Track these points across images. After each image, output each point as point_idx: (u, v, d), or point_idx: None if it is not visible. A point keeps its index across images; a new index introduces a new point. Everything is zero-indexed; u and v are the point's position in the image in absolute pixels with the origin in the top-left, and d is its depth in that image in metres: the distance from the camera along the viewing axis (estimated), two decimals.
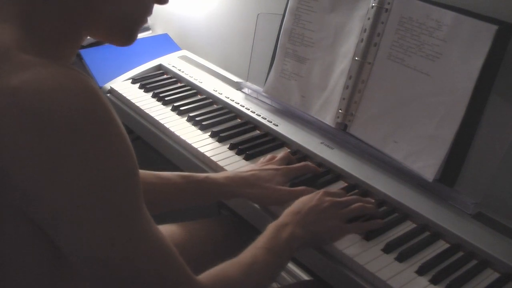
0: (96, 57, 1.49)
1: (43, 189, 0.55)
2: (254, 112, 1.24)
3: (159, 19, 1.72)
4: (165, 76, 1.48)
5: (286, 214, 0.85)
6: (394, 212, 0.95)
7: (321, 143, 1.12)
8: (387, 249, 0.85)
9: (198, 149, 1.12)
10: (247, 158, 1.10)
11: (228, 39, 1.51)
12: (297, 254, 0.85)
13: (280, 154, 1.05)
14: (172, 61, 1.54)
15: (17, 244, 0.60)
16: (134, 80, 1.44)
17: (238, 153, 1.12)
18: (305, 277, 1.39)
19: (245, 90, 1.35)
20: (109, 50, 1.52)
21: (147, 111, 1.28)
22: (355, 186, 1.02)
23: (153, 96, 1.35)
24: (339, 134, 1.13)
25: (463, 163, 0.94)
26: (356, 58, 1.09)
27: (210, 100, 1.34)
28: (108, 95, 1.40)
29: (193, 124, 1.22)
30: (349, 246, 0.86)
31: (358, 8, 1.10)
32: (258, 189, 0.94)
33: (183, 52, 1.60)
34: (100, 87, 1.42)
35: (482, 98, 0.92)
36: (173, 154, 1.18)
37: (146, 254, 0.60)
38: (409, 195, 0.96)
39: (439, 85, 0.97)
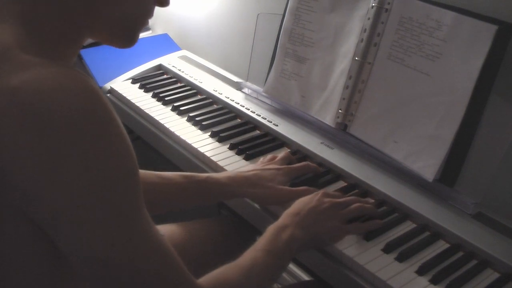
0: (96, 57, 1.49)
1: (43, 189, 0.55)
2: (254, 112, 1.24)
3: (159, 19, 1.72)
4: (165, 76, 1.49)
5: (286, 215, 0.84)
6: (394, 212, 0.95)
7: (321, 143, 1.12)
8: (387, 249, 0.85)
9: (198, 149, 1.12)
10: (247, 158, 1.10)
11: (228, 39, 1.51)
12: (297, 255, 0.85)
13: (281, 154, 1.05)
14: (172, 61, 1.54)
15: (17, 244, 0.60)
16: (134, 80, 1.44)
17: (238, 153, 1.12)
18: (305, 277, 1.39)
19: (245, 90, 1.35)
20: (109, 50, 1.51)
21: (147, 111, 1.28)
22: (355, 186, 1.02)
23: (153, 96, 1.35)
24: (339, 134, 1.13)
25: (463, 163, 0.94)
26: (356, 58, 1.09)
27: (210, 100, 1.34)
28: (108, 95, 1.40)
29: (193, 124, 1.22)
30: (349, 246, 0.86)
31: (358, 8, 1.10)
32: (260, 189, 0.94)
33: (183, 52, 1.60)
34: (100, 87, 1.42)
35: (482, 98, 0.92)
36: (173, 154, 1.18)
37: (146, 254, 0.60)
38: (409, 195, 0.96)
39: (439, 85, 0.97)
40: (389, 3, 1.04)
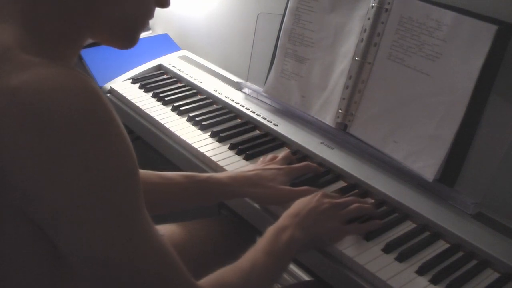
0: (96, 57, 1.49)
1: (43, 189, 0.55)
2: (254, 112, 1.24)
3: (159, 19, 1.72)
4: (165, 76, 1.49)
5: (285, 216, 0.84)
6: (394, 212, 0.95)
7: (321, 143, 1.12)
8: (387, 249, 0.85)
9: (198, 149, 1.12)
10: (247, 158, 1.10)
11: (228, 39, 1.51)
12: (297, 255, 0.85)
13: (282, 154, 1.05)
14: (172, 61, 1.54)
15: (17, 244, 0.60)
16: (134, 80, 1.44)
17: (238, 153, 1.12)
18: (305, 277, 1.39)
19: (245, 90, 1.35)
20: (109, 50, 1.50)
21: (147, 111, 1.28)
22: (355, 186, 1.02)
23: (153, 96, 1.35)
24: (339, 134, 1.13)
25: (463, 163, 0.94)
26: (356, 58, 1.09)
27: (210, 100, 1.34)
28: (108, 95, 1.40)
29: (193, 124, 1.22)
30: (349, 246, 0.86)
31: (358, 8, 1.10)
32: (261, 189, 0.94)
33: (183, 52, 1.60)
34: (100, 87, 1.42)
35: (482, 98, 0.92)
36: (173, 154, 1.18)
37: (146, 254, 0.60)
38: (409, 195, 0.96)
39: (439, 85, 0.97)
40: (389, 3, 1.04)
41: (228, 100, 1.30)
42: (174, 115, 1.27)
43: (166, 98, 1.33)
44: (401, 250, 0.85)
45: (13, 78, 0.54)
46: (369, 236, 0.88)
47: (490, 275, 0.82)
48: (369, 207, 0.91)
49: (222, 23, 1.53)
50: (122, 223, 0.58)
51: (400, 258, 0.83)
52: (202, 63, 1.50)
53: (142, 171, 0.92)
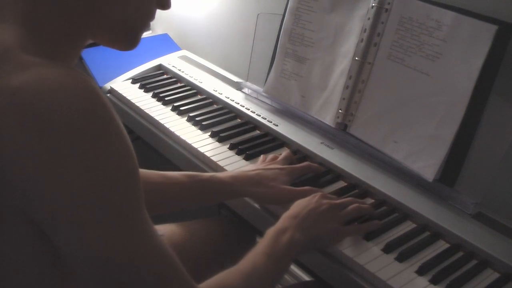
0: (96, 57, 1.49)
1: (43, 189, 0.55)
2: (254, 112, 1.24)
3: (159, 19, 1.72)
4: (165, 76, 1.49)
5: (284, 218, 0.84)
6: (394, 212, 0.95)
7: (321, 143, 1.12)
8: (387, 249, 0.85)
9: (198, 149, 1.12)
10: (247, 158, 1.10)
11: (228, 39, 1.51)
12: (298, 256, 0.85)
13: (283, 154, 1.05)
14: (172, 61, 1.54)
15: (17, 244, 0.60)
16: (134, 80, 1.44)
17: (238, 153, 1.12)
18: (306, 277, 1.39)
19: (245, 90, 1.35)
20: (109, 50, 1.49)
21: (147, 111, 1.28)
22: (355, 186, 1.02)
23: (153, 96, 1.35)
24: (339, 134, 1.13)
25: (463, 163, 0.94)
26: (356, 58, 1.09)
27: (210, 100, 1.34)
28: (108, 95, 1.40)
29: (193, 124, 1.22)
30: (349, 246, 0.86)
31: (358, 8, 1.10)
32: (263, 188, 0.94)
33: (183, 52, 1.60)
34: (100, 87, 1.42)
35: (482, 98, 0.92)
36: (173, 154, 1.18)
37: (146, 254, 0.60)
38: (409, 195, 0.96)
39: (439, 85, 0.97)
40: (389, 3, 1.04)
41: (228, 100, 1.30)
42: (174, 115, 1.27)
43: (166, 98, 1.33)
44: (401, 250, 0.85)
45: (13, 78, 0.54)
46: (369, 236, 0.88)
47: (490, 275, 0.82)
48: (367, 208, 0.91)
49: (222, 23, 1.53)
50: (122, 223, 0.58)
51: (400, 258, 0.83)
52: (202, 63, 1.50)
53: (144, 171, 0.92)
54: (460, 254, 0.86)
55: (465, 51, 0.93)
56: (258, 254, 0.77)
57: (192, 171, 1.00)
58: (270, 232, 0.81)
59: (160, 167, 0.97)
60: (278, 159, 1.03)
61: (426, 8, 0.99)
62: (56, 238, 0.58)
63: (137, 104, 1.31)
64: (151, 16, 0.69)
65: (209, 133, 1.18)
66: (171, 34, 1.68)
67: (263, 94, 1.27)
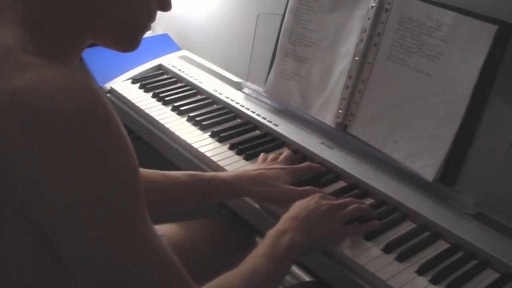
0: (96, 57, 1.49)
1: (43, 189, 0.55)
2: (254, 112, 1.24)
3: (159, 19, 1.72)
4: (165, 76, 1.49)
5: (284, 220, 0.84)
6: (394, 212, 0.95)
7: (321, 143, 1.12)
8: (387, 249, 0.85)
9: (198, 149, 1.12)
10: (247, 158, 1.10)
11: (228, 39, 1.51)
12: (298, 258, 0.85)
13: (284, 154, 1.05)
14: (172, 61, 1.54)
15: (17, 244, 0.60)
16: (134, 80, 1.44)
17: (238, 153, 1.12)
18: (306, 278, 1.39)
19: (245, 90, 1.35)
20: (109, 50, 1.50)
21: (147, 111, 1.28)
22: (355, 186, 1.02)
23: (153, 96, 1.35)
24: (339, 134, 1.13)
25: (463, 163, 0.94)
26: (356, 58, 1.09)
27: (210, 100, 1.34)
28: (108, 95, 1.40)
29: (193, 124, 1.22)
30: (349, 246, 0.86)
31: (358, 8, 1.10)
32: (265, 188, 0.94)
33: (183, 52, 1.60)
34: (100, 87, 1.42)
35: (482, 98, 0.92)
36: (173, 154, 1.18)
37: (146, 255, 0.60)
38: (409, 195, 0.96)
39: (439, 85, 0.97)
40: (389, 3, 1.04)
41: (228, 100, 1.30)
42: (174, 115, 1.27)
43: (166, 98, 1.33)
44: (401, 250, 0.85)
45: (13, 79, 0.54)
46: (369, 236, 0.88)
47: (490, 275, 0.82)
48: (367, 208, 0.91)
49: (222, 23, 1.53)
50: (122, 223, 0.58)
51: (400, 258, 0.83)
52: (202, 63, 1.50)
53: (146, 170, 0.92)
54: (460, 254, 0.86)
55: (465, 51, 0.93)
56: (259, 256, 0.77)
57: (192, 171, 1.00)
58: (270, 234, 0.81)
59: (160, 167, 0.97)
60: (279, 159, 1.03)
61: (426, 8, 0.99)
62: (56, 238, 0.58)
63: (137, 104, 1.31)
64: (151, 18, 0.69)
65: (209, 133, 1.18)
66: (171, 34, 1.68)
67: (263, 94, 1.27)
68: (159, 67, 1.53)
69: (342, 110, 1.11)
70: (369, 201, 0.98)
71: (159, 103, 1.32)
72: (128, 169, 0.58)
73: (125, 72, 1.48)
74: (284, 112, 1.24)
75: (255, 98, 1.31)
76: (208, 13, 1.58)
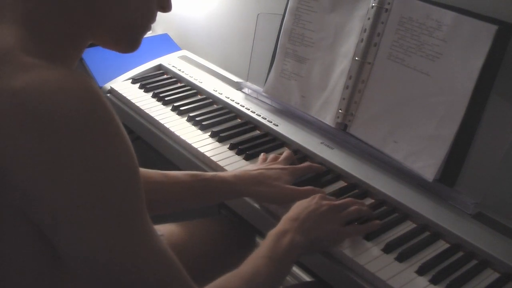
0: (96, 57, 1.49)
1: (43, 189, 0.55)
2: (254, 112, 1.24)
3: (159, 19, 1.72)
4: (165, 76, 1.49)
5: (285, 220, 0.84)
6: (394, 212, 0.95)
7: (321, 143, 1.12)
8: (387, 249, 0.85)
9: (198, 149, 1.12)
10: (247, 158, 1.10)
11: (228, 39, 1.51)
12: (299, 258, 0.85)
13: (284, 154, 1.05)
14: (172, 61, 1.54)
15: (17, 244, 0.60)
16: (134, 80, 1.44)
17: (238, 153, 1.12)
18: (306, 278, 1.39)
19: (245, 90, 1.35)
20: (109, 50, 1.51)
21: (147, 111, 1.28)
22: (355, 186, 1.02)
23: (153, 96, 1.35)
24: (339, 134, 1.13)
25: (463, 163, 0.94)
26: (356, 58, 1.09)
27: (210, 100, 1.34)
28: (108, 95, 1.40)
29: (193, 124, 1.22)
30: (349, 246, 0.86)
31: (358, 8, 1.10)
32: (266, 187, 0.94)
33: (183, 52, 1.60)
34: (100, 87, 1.42)
35: (482, 98, 0.92)
36: (173, 154, 1.18)
37: (146, 255, 0.60)
38: (409, 195, 0.96)
39: (439, 85, 0.97)
40: (389, 3, 1.04)
41: (228, 100, 1.30)
42: (174, 115, 1.27)
43: (166, 98, 1.33)
44: (401, 250, 0.85)
45: (14, 80, 0.54)
46: (369, 236, 0.88)
47: (490, 275, 0.82)
48: (367, 210, 0.91)
49: (222, 23, 1.53)
50: (122, 223, 0.58)
51: (400, 258, 0.83)
52: (202, 63, 1.50)
53: (146, 170, 0.92)
54: (460, 254, 0.86)
55: (465, 51, 0.93)
56: (259, 257, 0.76)
57: (192, 171, 1.00)
58: (271, 234, 0.81)
59: (160, 167, 0.97)
60: (280, 159, 1.03)
61: (426, 8, 0.99)
62: (56, 238, 0.58)
63: (137, 104, 1.31)
64: (152, 18, 0.69)
65: (209, 133, 1.18)
66: (171, 34, 1.68)
67: (263, 94, 1.27)
68: (159, 67, 1.53)
69: (342, 110, 1.11)
70: (369, 201, 0.98)
71: (159, 103, 1.32)
72: (128, 169, 0.58)
73: (125, 72, 1.48)
74: (284, 112, 1.24)
75: (255, 98, 1.31)
76: (208, 13, 1.58)
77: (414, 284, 0.79)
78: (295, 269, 1.43)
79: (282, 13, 1.23)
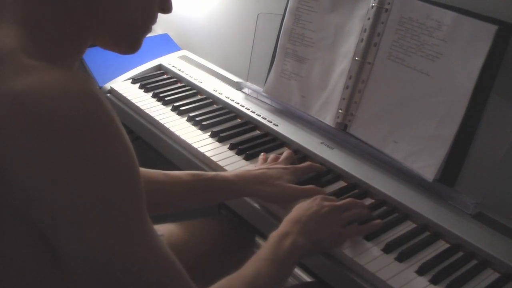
0: (96, 57, 1.49)
1: (43, 189, 0.55)
2: (254, 112, 1.24)
3: (159, 19, 1.71)
4: (165, 76, 1.49)
5: (287, 222, 0.83)
6: (394, 212, 0.95)
7: (321, 143, 1.12)
8: (387, 249, 0.85)
9: (198, 149, 1.12)
10: (247, 158, 1.10)
11: (228, 39, 1.51)
12: (301, 260, 0.85)
13: (284, 154, 1.05)
14: (172, 61, 1.54)
15: (17, 244, 0.60)
16: (134, 80, 1.44)
17: (238, 153, 1.12)
18: (307, 278, 1.39)
19: (245, 90, 1.35)
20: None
21: (147, 111, 1.28)
22: (355, 186, 1.02)
23: (153, 96, 1.35)
24: (339, 134, 1.13)
25: (463, 163, 0.94)
26: (356, 58, 1.09)
27: (210, 100, 1.34)
28: (108, 95, 1.40)
29: (193, 124, 1.22)
30: (349, 246, 0.86)
31: (358, 8, 1.10)
32: (268, 187, 0.94)
33: (183, 52, 1.60)
34: (100, 87, 1.42)
35: (482, 98, 0.92)
36: (173, 154, 1.18)
37: (146, 255, 0.60)
38: (409, 195, 0.96)
39: (439, 85, 0.97)
40: (389, 3, 1.04)
41: (228, 100, 1.30)
42: (174, 115, 1.27)
43: (166, 98, 1.33)
44: (401, 250, 0.85)
45: (14, 82, 0.54)
46: (369, 236, 0.88)
47: (490, 275, 0.82)
48: (367, 212, 0.91)
49: (222, 23, 1.53)
50: (122, 223, 0.58)
51: (400, 258, 0.84)
52: (202, 63, 1.50)
53: (147, 170, 0.92)
54: (460, 254, 0.86)
55: (465, 51, 0.93)
56: (261, 259, 0.76)
57: (193, 171, 1.00)
58: (273, 236, 0.81)
59: (160, 167, 0.97)
60: (280, 159, 1.03)
61: (426, 8, 0.99)
62: (56, 238, 0.58)
63: (137, 104, 1.31)
64: (152, 19, 0.69)
65: (209, 133, 1.18)
66: (171, 34, 1.68)
67: (263, 94, 1.27)
68: (159, 67, 1.53)
69: (342, 110, 1.11)
70: (369, 201, 0.98)
71: (159, 103, 1.32)
72: (128, 169, 0.58)
73: (125, 72, 1.48)
74: (284, 112, 1.24)
75: (255, 98, 1.31)
76: (208, 13, 1.58)
77: (414, 284, 0.79)
78: (296, 270, 1.43)
79: (282, 13, 1.23)
